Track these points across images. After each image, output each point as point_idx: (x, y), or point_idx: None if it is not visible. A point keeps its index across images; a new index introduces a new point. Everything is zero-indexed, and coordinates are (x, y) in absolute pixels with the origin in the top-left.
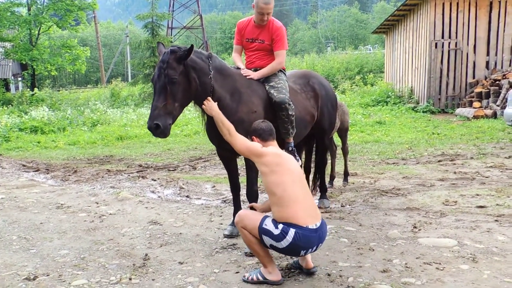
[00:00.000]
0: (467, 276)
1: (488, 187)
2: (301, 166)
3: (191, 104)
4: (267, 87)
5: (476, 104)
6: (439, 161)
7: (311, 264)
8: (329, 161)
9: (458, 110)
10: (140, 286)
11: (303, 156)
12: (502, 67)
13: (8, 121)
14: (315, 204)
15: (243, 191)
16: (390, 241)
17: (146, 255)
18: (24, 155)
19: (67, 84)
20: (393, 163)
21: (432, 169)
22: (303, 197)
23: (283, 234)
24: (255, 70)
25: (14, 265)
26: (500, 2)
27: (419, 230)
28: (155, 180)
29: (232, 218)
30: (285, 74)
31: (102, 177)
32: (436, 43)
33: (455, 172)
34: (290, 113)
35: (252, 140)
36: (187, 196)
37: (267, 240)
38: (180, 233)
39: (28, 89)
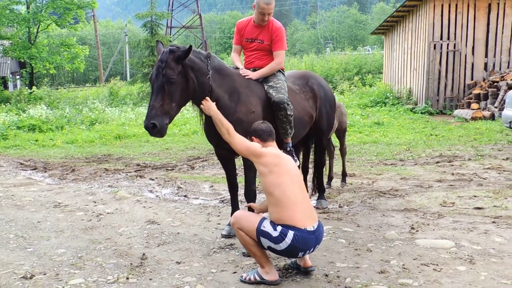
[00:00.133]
0: (464, 277)
1: (485, 188)
2: (299, 166)
3: (190, 103)
4: (265, 87)
5: (474, 105)
6: (437, 162)
7: (309, 262)
8: (327, 162)
9: (456, 112)
10: (137, 285)
11: (301, 156)
12: (500, 69)
13: (6, 119)
14: (312, 206)
15: (241, 191)
16: (388, 242)
17: (144, 254)
18: (21, 154)
19: (65, 82)
20: (391, 164)
21: (430, 170)
22: (301, 198)
23: (282, 236)
24: (254, 70)
25: (11, 263)
26: (498, 4)
27: (417, 231)
28: (153, 180)
29: (230, 218)
30: (284, 75)
31: (100, 176)
32: (434, 45)
33: (452, 174)
34: (288, 113)
35: (251, 140)
36: (185, 196)
37: (265, 242)
38: (178, 233)
39: (26, 87)
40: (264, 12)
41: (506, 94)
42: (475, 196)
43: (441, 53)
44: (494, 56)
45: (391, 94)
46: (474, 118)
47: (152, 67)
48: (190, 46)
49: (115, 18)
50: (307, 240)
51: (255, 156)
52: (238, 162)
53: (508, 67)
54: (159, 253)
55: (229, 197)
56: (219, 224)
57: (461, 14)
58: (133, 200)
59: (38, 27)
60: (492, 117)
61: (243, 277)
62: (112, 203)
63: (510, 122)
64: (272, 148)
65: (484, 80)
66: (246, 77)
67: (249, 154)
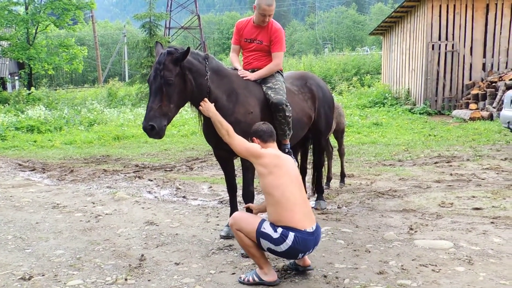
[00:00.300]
0: (463, 278)
1: (484, 189)
2: (297, 167)
3: (188, 104)
4: (264, 88)
5: (472, 106)
6: (436, 162)
7: (308, 261)
8: (325, 163)
9: (455, 112)
10: (135, 286)
11: (299, 157)
12: (498, 69)
13: (4, 120)
14: (310, 207)
15: (240, 192)
16: (386, 242)
17: (142, 255)
18: (20, 154)
19: (64, 83)
20: (390, 165)
21: (428, 170)
22: (300, 199)
23: (283, 237)
24: (253, 71)
25: (9, 264)
26: (496, 4)
27: (415, 232)
28: (151, 181)
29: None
30: (282, 75)
31: (99, 177)
32: (433, 45)
33: (451, 174)
34: (287, 114)
35: (252, 141)
36: (184, 197)
37: (265, 244)
38: (177, 234)
39: (25, 88)
40: (265, 13)
41: (504, 95)
42: (474, 197)
43: (439, 53)
44: (492, 57)
45: (390, 95)
46: (472, 119)
47: (151, 68)
48: (188, 48)
49: (114, 19)
50: (307, 241)
51: (255, 157)
52: (237, 163)
53: (506, 68)
54: (157, 254)
55: (228, 198)
56: (217, 225)
57: (459, 14)
58: (131, 201)
59: (37, 28)
60: (491, 117)
61: (242, 278)
62: (110, 204)
63: (508, 122)
64: (272, 149)
65: (482, 80)
66: (244, 78)
67: (248, 155)
